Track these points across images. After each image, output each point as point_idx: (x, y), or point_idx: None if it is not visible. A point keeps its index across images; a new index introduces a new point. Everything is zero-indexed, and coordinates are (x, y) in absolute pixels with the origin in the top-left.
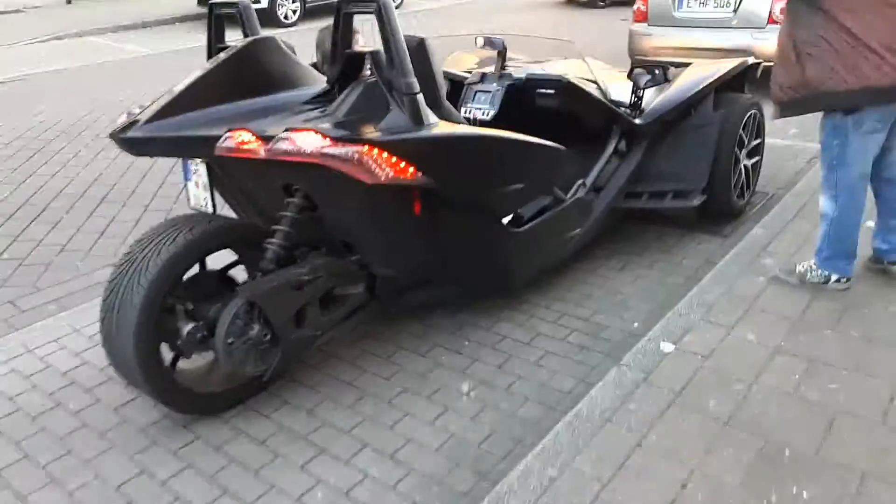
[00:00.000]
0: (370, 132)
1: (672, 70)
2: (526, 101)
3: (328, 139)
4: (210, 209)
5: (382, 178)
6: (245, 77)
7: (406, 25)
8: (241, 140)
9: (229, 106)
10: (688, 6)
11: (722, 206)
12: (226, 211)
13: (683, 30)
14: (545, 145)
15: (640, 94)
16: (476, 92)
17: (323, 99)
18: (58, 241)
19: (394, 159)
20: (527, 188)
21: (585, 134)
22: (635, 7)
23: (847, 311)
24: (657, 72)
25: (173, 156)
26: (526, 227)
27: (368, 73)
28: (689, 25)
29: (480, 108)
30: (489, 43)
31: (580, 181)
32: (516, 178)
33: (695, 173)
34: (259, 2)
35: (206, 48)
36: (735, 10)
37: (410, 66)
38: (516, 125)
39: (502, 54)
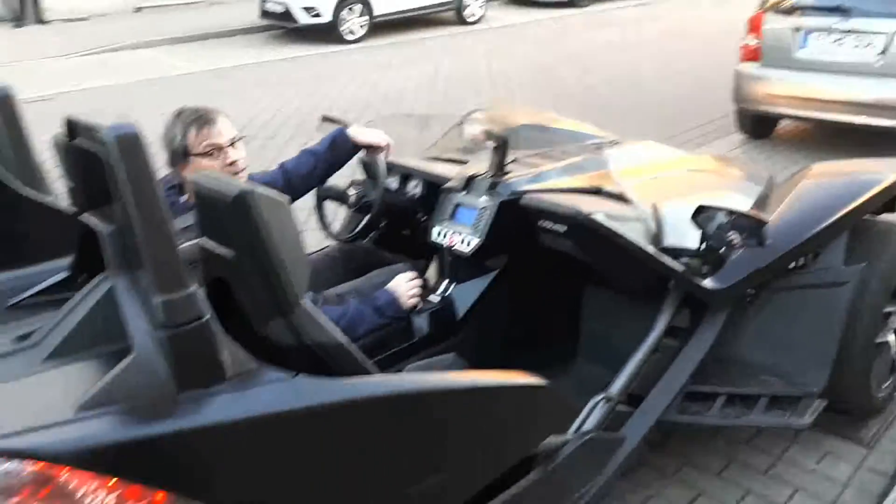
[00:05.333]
0: (62, 420)
1: (770, 217)
2: (529, 232)
3: None
4: None
5: None
6: None
7: (475, 43)
8: None
9: None
10: (816, 43)
11: (854, 405)
12: None
13: (808, 74)
14: (500, 389)
15: (716, 245)
16: (457, 206)
17: (51, 298)
18: None
19: (111, 481)
20: (462, 474)
21: (623, 298)
22: (743, 42)
23: None
24: (744, 225)
25: None
26: None
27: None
28: (816, 69)
29: (460, 233)
30: (487, 136)
31: (600, 397)
32: (432, 464)
33: (808, 366)
34: (320, 16)
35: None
36: (883, 52)
37: (178, 263)
38: (513, 270)
39: (501, 149)
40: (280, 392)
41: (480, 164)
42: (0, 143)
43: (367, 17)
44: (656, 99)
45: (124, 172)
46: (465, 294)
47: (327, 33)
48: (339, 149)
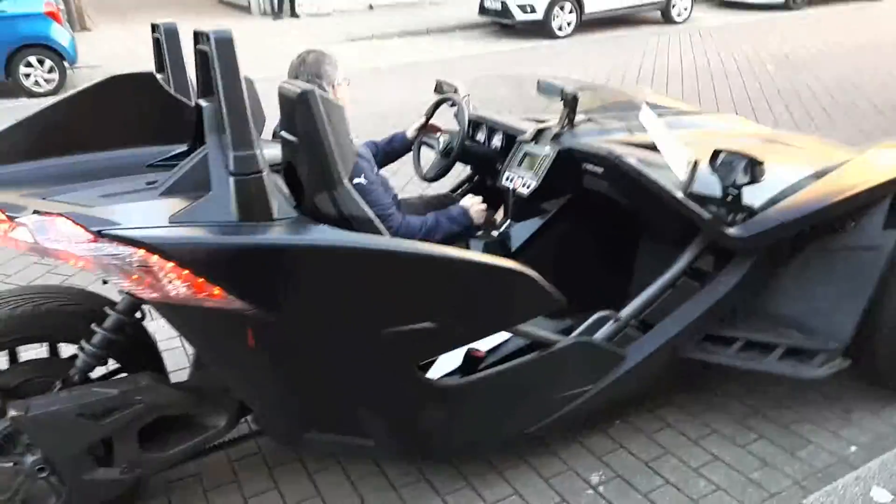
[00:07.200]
0: (159, 225)
1: (774, 162)
2: (580, 177)
3: (87, 233)
4: None
5: (170, 295)
6: (86, 125)
7: (679, 41)
8: None
9: (40, 164)
10: None
11: (882, 369)
12: None
13: None
14: (488, 267)
15: (736, 191)
16: (525, 154)
17: (175, 163)
18: None
19: (185, 272)
20: (447, 328)
21: (657, 238)
22: None
23: None
24: (745, 164)
25: None
26: (463, 379)
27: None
28: None
29: (522, 177)
30: (545, 90)
31: (602, 313)
32: (420, 313)
33: (831, 322)
34: (535, 12)
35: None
36: None
37: (248, 131)
38: (564, 215)
39: (570, 105)
40: (309, 232)
41: (550, 121)
42: (168, 65)
43: (576, 14)
44: (871, 94)
45: (217, 62)
46: (520, 232)
47: (539, 29)
48: (397, 142)
